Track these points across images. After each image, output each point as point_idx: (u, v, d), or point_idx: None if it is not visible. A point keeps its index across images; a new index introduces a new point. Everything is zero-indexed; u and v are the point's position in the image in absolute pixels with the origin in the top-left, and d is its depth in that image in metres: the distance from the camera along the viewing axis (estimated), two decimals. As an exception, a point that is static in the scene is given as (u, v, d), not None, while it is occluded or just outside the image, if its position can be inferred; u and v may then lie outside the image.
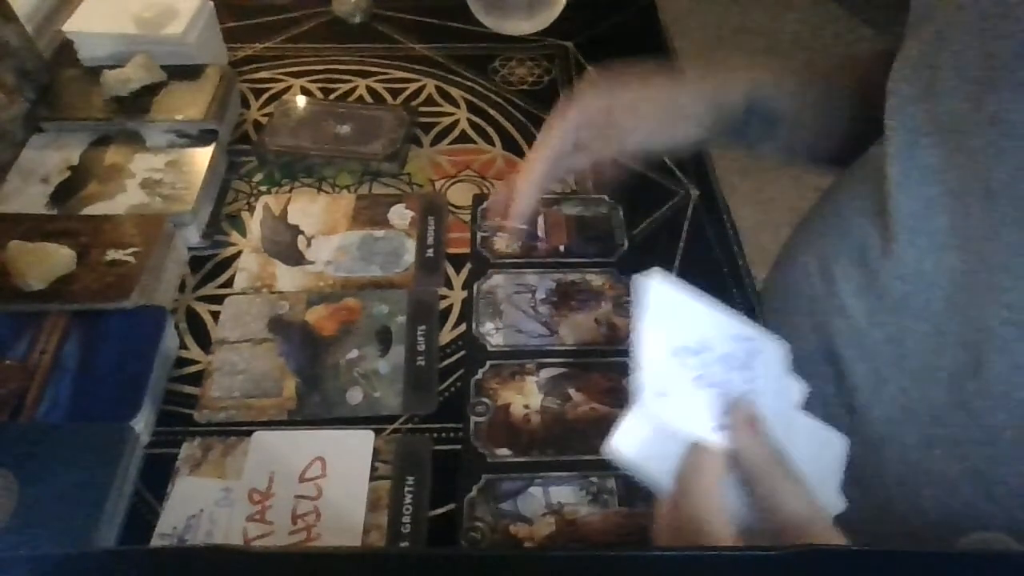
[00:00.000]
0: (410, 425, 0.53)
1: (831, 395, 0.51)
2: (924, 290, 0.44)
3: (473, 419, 0.53)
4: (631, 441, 0.36)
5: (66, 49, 0.77)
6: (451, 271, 0.63)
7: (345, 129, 0.73)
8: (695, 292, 0.38)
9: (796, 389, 0.39)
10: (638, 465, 0.36)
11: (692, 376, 0.36)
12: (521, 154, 0.74)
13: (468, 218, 0.67)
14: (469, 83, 0.82)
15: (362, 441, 0.52)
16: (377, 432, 0.53)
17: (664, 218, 0.68)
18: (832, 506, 0.37)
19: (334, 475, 0.50)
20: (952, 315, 0.43)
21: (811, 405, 0.39)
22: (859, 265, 0.48)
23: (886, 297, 0.47)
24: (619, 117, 0.53)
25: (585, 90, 0.54)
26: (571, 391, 0.55)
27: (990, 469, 0.43)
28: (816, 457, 0.38)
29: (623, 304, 0.60)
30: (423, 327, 0.58)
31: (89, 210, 0.63)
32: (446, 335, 0.59)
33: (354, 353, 0.57)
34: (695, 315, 0.38)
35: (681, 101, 0.54)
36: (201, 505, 0.48)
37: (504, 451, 0.52)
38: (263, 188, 0.70)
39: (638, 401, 0.35)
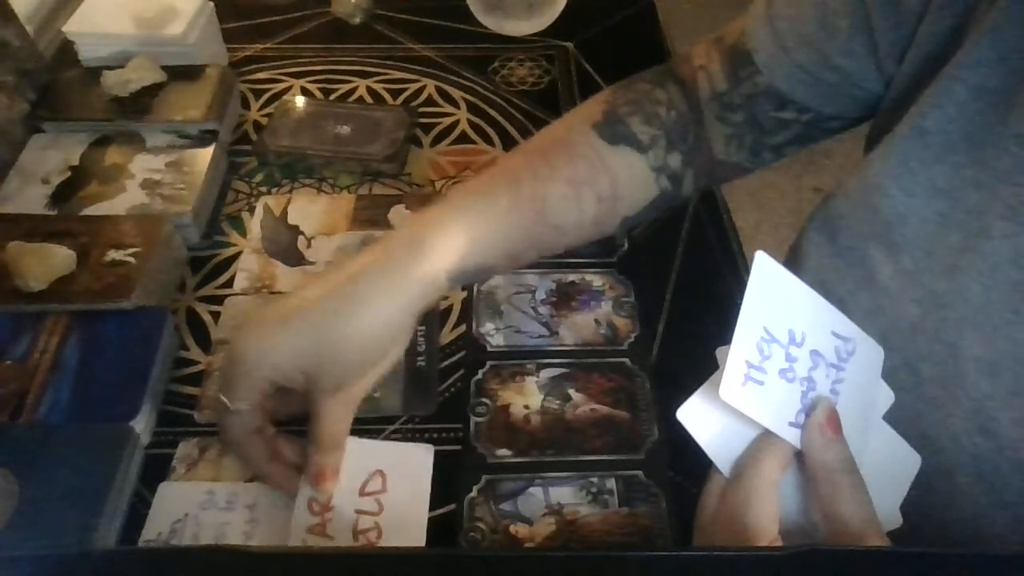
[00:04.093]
0: (410, 425, 0.53)
1: None
2: (937, 313, 0.42)
3: (473, 419, 0.53)
4: (699, 415, 0.35)
5: (66, 49, 0.77)
6: (451, 271, 0.63)
7: (345, 130, 0.73)
8: (800, 281, 0.37)
9: (883, 397, 0.38)
10: (699, 441, 0.35)
11: (777, 368, 0.35)
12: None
13: (468, 218, 0.67)
14: (469, 83, 0.82)
15: (422, 456, 0.51)
16: (377, 432, 0.53)
17: (664, 218, 0.68)
18: (890, 521, 0.37)
19: (395, 491, 0.49)
20: (972, 341, 0.41)
21: None
22: (867, 289, 0.46)
23: (899, 321, 0.44)
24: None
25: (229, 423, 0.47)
26: (571, 391, 0.55)
27: (1019, 499, 0.41)
28: (887, 469, 0.37)
29: (623, 304, 0.60)
30: (423, 327, 0.58)
31: (89, 210, 0.63)
32: (446, 335, 0.59)
33: (354, 353, 0.57)
34: (794, 303, 0.36)
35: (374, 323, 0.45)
36: (185, 509, 0.48)
37: (504, 451, 0.52)
38: (263, 188, 0.70)
39: (719, 379, 0.34)
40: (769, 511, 0.34)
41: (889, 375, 0.44)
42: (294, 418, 0.50)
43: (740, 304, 0.35)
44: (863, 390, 0.38)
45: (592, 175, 0.52)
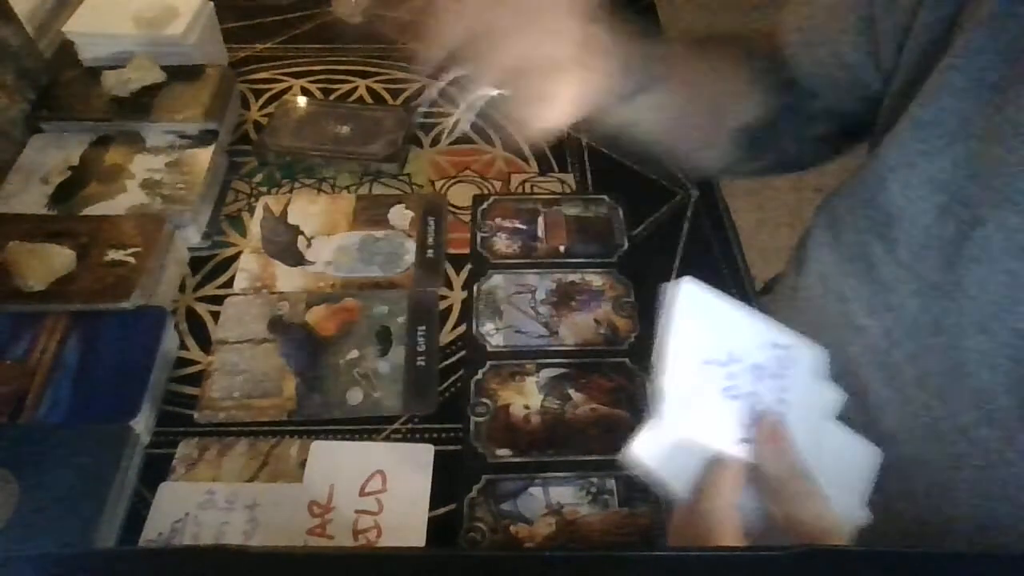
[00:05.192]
0: (410, 425, 0.53)
1: (852, 416, 0.49)
2: (937, 305, 0.43)
3: (473, 419, 0.53)
4: (650, 450, 0.35)
5: (66, 49, 0.77)
6: (451, 271, 0.63)
7: (345, 129, 0.73)
8: (728, 299, 0.36)
9: (831, 397, 0.39)
10: (656, 474, 0.35)
11: (719, 388, 0.35)
12: (521, 154, 0.74)
13: (468, 218, 0.67)
14: (469, 83, 0.81)
15: (422, 455, 0.51)
16: (376, 432, 0.53)
17: (664, 218, 0.68)
18: (856, 518, 0.37)
19: (395, 490, 0.49)
20: (973, 332, 0.41)
21: None
22: (869, 283, 0.47)
23: (902, 315, 0.45)
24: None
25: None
26: (571, 391, 0.55)
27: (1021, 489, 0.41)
28: (844, 467, 0.37)
29: (623, 304, 0.60)
30: (423, 327, 0.58)
31: (89, 210, 0.63)
32: (446, 335, 0.59)
33: (354, 353, 0.57)
34: (727, 323, 0.36)
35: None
36: (185, 509, 0.48)
37: (504, 451, 0.52)
38: (263, 188, 0.70)
39: (660, 410, 0.34)
40: (732, 530, 0.34)
41: (895, 369, 0.44)
42: None
43: (664, 334, 0.35)
44: (810, 394, 0.38)
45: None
